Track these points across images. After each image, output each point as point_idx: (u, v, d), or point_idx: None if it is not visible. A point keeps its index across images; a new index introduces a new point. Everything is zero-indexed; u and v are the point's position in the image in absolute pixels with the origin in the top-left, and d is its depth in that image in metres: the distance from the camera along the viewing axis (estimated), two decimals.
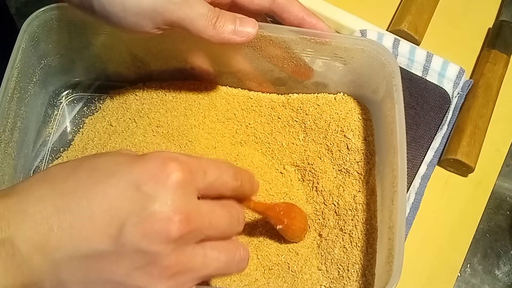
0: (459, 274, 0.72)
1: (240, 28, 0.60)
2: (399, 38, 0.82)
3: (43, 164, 0.73)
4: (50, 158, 0.74)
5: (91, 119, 0.76)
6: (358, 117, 0.71)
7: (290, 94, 0.74)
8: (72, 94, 0.78)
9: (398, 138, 0.60)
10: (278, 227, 0.64)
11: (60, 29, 0.68)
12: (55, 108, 0.77)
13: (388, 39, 0.81)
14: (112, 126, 0.74)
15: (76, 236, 0.41)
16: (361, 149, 0.69)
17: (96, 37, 0.71)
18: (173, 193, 0.42)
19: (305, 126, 0.72)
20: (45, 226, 0.41)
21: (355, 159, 0.69)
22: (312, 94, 0.74)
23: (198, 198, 0.45)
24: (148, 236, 0.41)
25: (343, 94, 0.73)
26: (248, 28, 0.61)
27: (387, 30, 0.85)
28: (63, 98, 0.78)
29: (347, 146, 0.69)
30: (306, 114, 0.72)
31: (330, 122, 0.71)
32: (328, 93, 0.74)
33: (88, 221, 0.41)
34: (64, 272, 0.41)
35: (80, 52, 0.73)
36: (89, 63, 0.75)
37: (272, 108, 0.74)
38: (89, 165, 0.44)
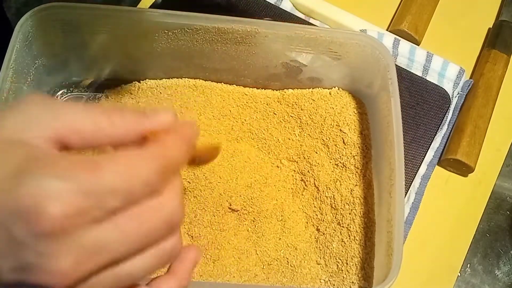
0: (459, 274, 0.72)
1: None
2: (399, 38, 0.82)
3: None
4: None
5: None
6: (354, 111, 0.71)
7: (285, 90, 0.74)
8: (67, 94, 0.78)
9: (395, 131, 0.60)
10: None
11: (54, 28, 0.68)
12: None
13: (388, 39, 0.81)
14: None
15: None
16: (357, 143, 0.69)
17: (90, 36, 0.71)
18: (50, 243, 0.34)
19: (300, 121, 0.72)
20: None
21: (351, 153, 0.69)
22: (307, 89, 0.74)
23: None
24: (31, 284, 0.35)
25: (338, 89, 0.73)
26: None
27: (387, 30, 0.85)
28: (58, 97, 0.77)
29: (343, 141, 0.69)
30: (301, 109, 0.72)
31: (325, 117, 0.71)
32: (323, 88, 0.74)
33: None
34: None
35: (75, 51, 0.72)
36: (84, 62, 0.75)
37: (267, 104, 0.74)
38: None
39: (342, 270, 0.65)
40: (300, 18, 0.85)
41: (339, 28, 0.82)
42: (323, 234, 0.67)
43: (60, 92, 0.78)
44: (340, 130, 0.70)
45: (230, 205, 0.68)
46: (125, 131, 0.39)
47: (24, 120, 0.37)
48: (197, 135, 0.43)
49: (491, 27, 0.87)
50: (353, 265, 0.65)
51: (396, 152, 0.59)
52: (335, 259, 0.66)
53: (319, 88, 0.74)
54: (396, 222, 0.57)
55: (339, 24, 0.83)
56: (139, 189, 0.36)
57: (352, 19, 0.83)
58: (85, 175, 0.34)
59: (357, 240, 0.65)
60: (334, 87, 0.73)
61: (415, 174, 0.75)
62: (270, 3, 0.85)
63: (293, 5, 0.86)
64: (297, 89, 0.74)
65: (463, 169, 0.75)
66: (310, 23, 0.85)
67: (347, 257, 0.65)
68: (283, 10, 0.85)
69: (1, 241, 0.34)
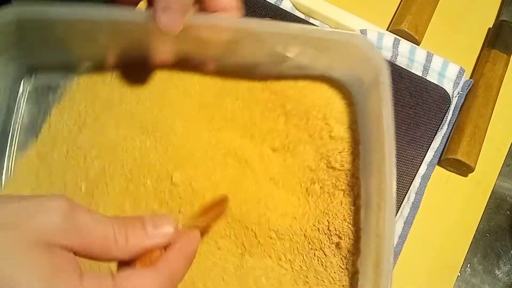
0: (459, 274, 0.72)
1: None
2: (399, 38, 0.82)
3: (10, 162, 0.69)
4: (18, 155, 0.69)
5: (58, 108, 0.71)
6: (341, 103, 0.69)
7: (269, 80, 0.71)
8: (37, 79, 0.72)
9: (386, 141, 0.57)
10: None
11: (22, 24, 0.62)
12: (18, 98, 0.71)
13: (388, 39, 0.81)
14: (81, 117, 0.70)
15: None
16: (344, 137, 0.67)
17: (59, 23, 0.63)
18: None
19: (285, 111, 0.69)
20: None
21: (337, 148, 0.67)
22: (292, 79, 0.70)
23: None
24: None
25: (324, 79, 0.70)
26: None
27: (387, 30, 0.85)
28: (27, 86, 0.71)
29: (330, 135, 0.67)
30: (286, 97, 0.70)
31: (311, 107, 0.69)
32: (309, 78, 0.70)
33: None
34: None
35: (42, 37, 0.65)
36: (51, 47, 0.68)
37: (250, 93, 0.71)
38: None
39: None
40: (300, 18, 0.85)
41: (328, 27, 0.83)
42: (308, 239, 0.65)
43: (27, 80, 0.72)
44: (327, 123, 0.68)
45: None
46: (129, 250, 0.46)
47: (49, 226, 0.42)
48: (198, 243, 0.50)
49: (491, 27, 0.87)
50: (338, 280, 0.63)
51: (386, 167, 0.56)
52: (319, 274, 0.64)
53: (305, 80, 0.70)
54: (386, 238, 0.54)
55: (339, 24, 0.83)
56: None
57: (352, 19, 0.83)
58: None
59: (342, 251, 0.64)
60: (321, 77, 0.70)
61: (415, 174, 0.75)
62: (270, 3, 0.85)
63: (293, 5, 0.86)
64: (282, 78, 0.71)
65: (463, 169, 0.75)
66: (311, 23, 0.85)
67: (330, 272, 0.63)
68: (283, 10, 0.85)
69: None
